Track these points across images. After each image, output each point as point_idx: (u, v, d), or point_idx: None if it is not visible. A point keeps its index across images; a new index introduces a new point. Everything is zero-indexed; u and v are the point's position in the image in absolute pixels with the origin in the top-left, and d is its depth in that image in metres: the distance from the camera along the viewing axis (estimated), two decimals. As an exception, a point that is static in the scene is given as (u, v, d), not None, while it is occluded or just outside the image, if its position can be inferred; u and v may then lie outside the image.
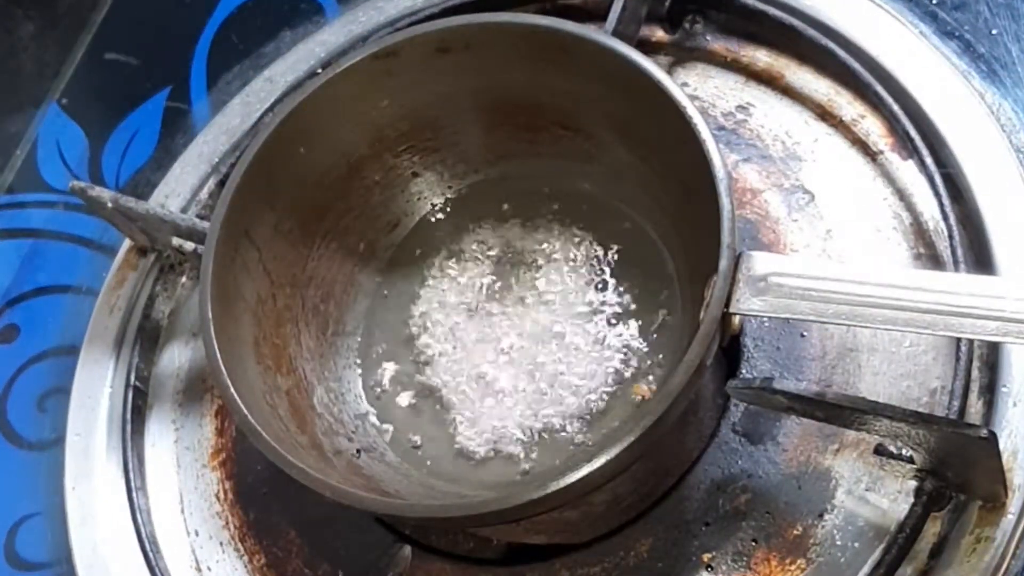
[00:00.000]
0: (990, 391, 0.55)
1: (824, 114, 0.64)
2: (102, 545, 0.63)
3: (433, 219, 0.66)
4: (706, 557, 0.55)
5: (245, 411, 0.52)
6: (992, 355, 0.55)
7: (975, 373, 0.55)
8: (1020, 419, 0.53)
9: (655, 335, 0.59)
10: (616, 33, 0.61)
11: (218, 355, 0.53)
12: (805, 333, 0.58)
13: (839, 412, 0.50)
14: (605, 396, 0.58)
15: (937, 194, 0.58)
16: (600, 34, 0.57)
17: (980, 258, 0.57)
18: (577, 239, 0.63)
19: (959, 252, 0.56)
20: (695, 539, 0.55)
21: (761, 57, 0.67)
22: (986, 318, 0.46)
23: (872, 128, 0.63)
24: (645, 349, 0.59)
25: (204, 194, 0.72)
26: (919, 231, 0.60)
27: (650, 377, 0.58)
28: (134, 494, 0.64)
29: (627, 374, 0.58)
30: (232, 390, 0.53)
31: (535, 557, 0.57)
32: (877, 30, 0.64)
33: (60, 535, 0.64)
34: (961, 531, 0.52)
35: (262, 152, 0.58)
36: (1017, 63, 0.62)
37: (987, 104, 0.60)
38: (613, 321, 0.60)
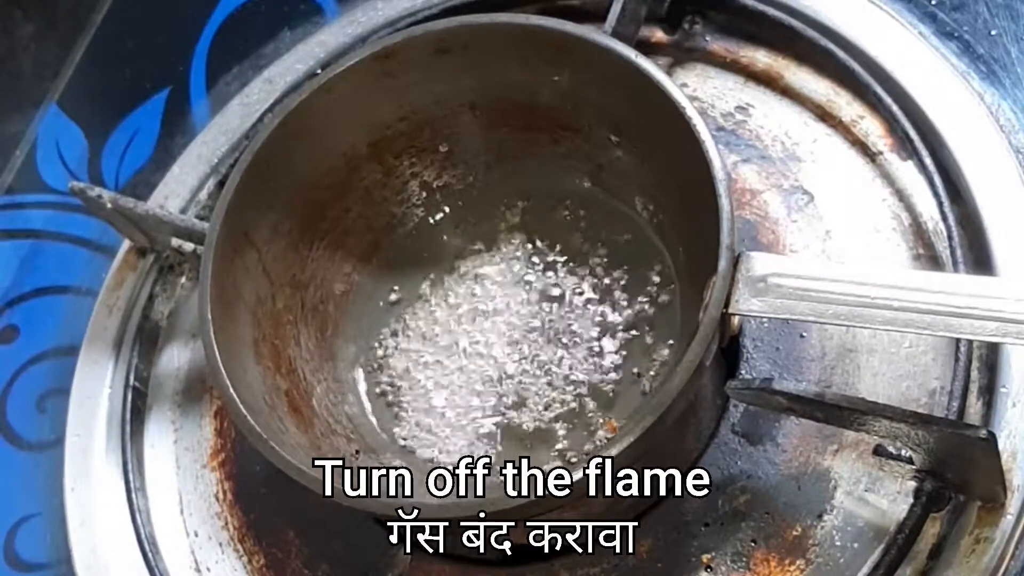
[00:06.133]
0: (989, 392, 0.55)
1: (823, 115, 0.64)
2: (101, 546, 0.63)
3: (432, 220, 0.66)
4: (705, 558, 0.55)
5: (244, 412, 0.52)
6: (991, 356, 0.55)
7: (974, 374, 0.55)
8: (1019, 420, 0.53)
9: (654, 335, 0.59)
10: (615, 34, 0.61)
11: (217, 356, 0.53)
12: (804, 334, 0.58)
13: (838, 413, 0.50)
14: (605, 395, 0.58)
15: (936, 195, 0.58)
16: (599, 34, 0.57)
17: (979, 259, 0.57)
18: (576, 239, 0.63)
19: (958, 253, 0.56)
20: (694, 540, 0.55)
21: (760, 58, 0.67)
22: (985, 319, 0.46)
23: (871, 129, 0.63)
24: (644, 349, 0.59)
25: (203, 195, 0.72)
26: (918, 232, 0.60)
27: (651, 372, 0.58)
28: (133, 495, 0.64)
29: (632, 371, 0.58)
30: (231, 391, 0.53)
31: (535, 557, 0.57)
32: (876, 31, 0.64)
33: (59, 536, 0.64)
34: (960, 532, 0.52)
35: (261, 152, 0.58)
36: (1016, 64, 0.62)
37: (986, 105, 0.60)
38: (612, 321, 0.60)
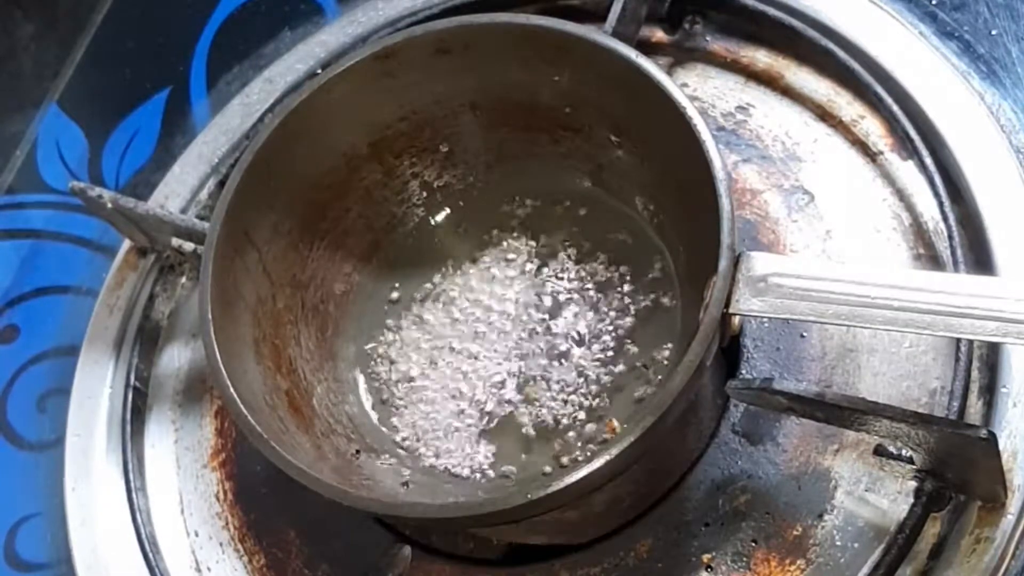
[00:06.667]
0: (990, 391, 0.55)
1: (824, 115, 0.64)
2: (102, 546, 0.63)
3: (433, 220, 0.66)
4: (706, 558, 0.55)
5: (245, 411, 0.52)
6: (992, 355, 0.55)
7: (975, 374, 0.55)
8: (1020, 419, 0.53)
9: (654, 335, 0.59)
10: (616, 33, 0.61)
11: (218, 355, 0.53)
12: (805, 334, 0.58)
13: (839, 413, 0.50)
14: (606, 395, 0.58)
15: (937, 195, 0.58)
16: (600, 34, 0.57)
17: (980, 258, 0.57)
18: (576, 239, 0.63)
19: (959, 252, 0.56)
20: (695, 539, 0.55)
21: (761, 58, 0.67)
22: (986, 318, 0.46)
23: (872, 128, 0.63)
24: (644, 349, 0.59)
25: (204, 195, 0.72)
26: (919, 232, 0.60)
27: (652, 372, 0.58)
28: (134, 495, 0.64)
29: (632, 371, 0.58)
30: (232, 390, 0.53)
31: (535, 557, 0.57)
32: (877, 31, 0.64)
33: (60, 536, 0.64)
34: (961, 531, 0.52)
35: (262, 152, 0.58)
36: (1017, 64, 0.62)
37: (987, 105, 0.60)
38: (611, 321, 0.60)
